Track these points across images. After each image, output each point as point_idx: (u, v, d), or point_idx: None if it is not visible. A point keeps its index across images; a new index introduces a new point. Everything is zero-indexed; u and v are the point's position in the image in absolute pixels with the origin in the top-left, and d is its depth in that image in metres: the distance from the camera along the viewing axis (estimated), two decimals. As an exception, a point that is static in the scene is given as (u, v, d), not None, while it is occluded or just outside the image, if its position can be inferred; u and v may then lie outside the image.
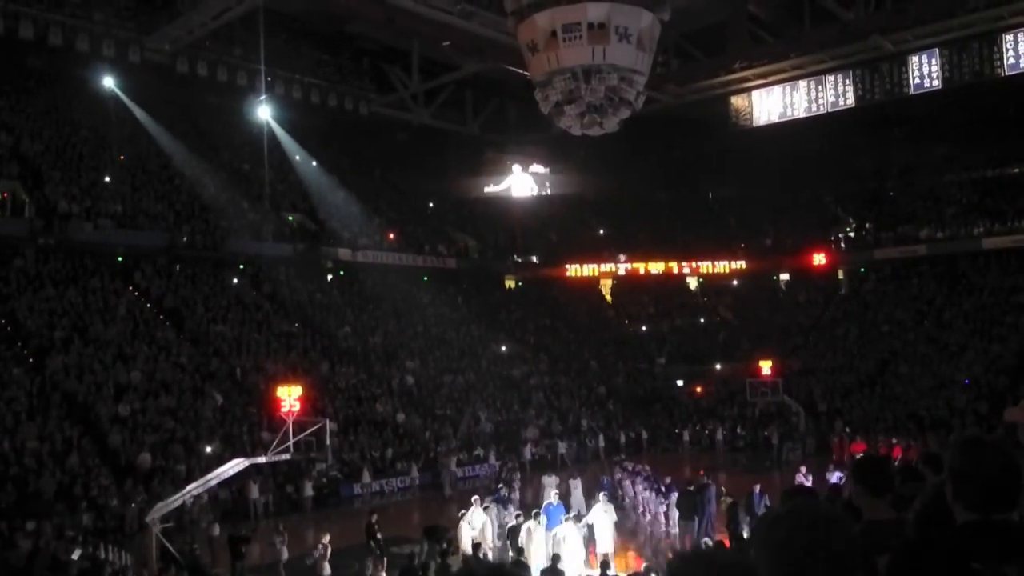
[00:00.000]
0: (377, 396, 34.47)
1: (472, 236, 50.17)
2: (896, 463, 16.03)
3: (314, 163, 44.72)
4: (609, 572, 14.85)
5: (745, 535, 17.99)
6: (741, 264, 50.94)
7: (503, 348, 43.07)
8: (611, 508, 18.75)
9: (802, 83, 41.94)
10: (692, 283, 53.10)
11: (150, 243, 35.07)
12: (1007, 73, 36.31)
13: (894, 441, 30.07)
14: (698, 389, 43.73)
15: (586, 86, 19.42)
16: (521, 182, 53.33)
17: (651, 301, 51.78)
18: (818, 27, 36.09)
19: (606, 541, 18.23)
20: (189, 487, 20.53)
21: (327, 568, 17.27)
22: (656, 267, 51.33)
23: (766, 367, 37.93)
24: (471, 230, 50.72)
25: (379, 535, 18.50)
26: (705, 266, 51.30)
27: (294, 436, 20.21)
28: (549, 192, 53.80)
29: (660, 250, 51.81)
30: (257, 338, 34.42)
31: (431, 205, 51.77)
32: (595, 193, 54.01)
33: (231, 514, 24.53)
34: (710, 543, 16.14)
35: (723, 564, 1.42)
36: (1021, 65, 36.08)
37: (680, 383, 44.64)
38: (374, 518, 18.83)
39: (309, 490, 27.22)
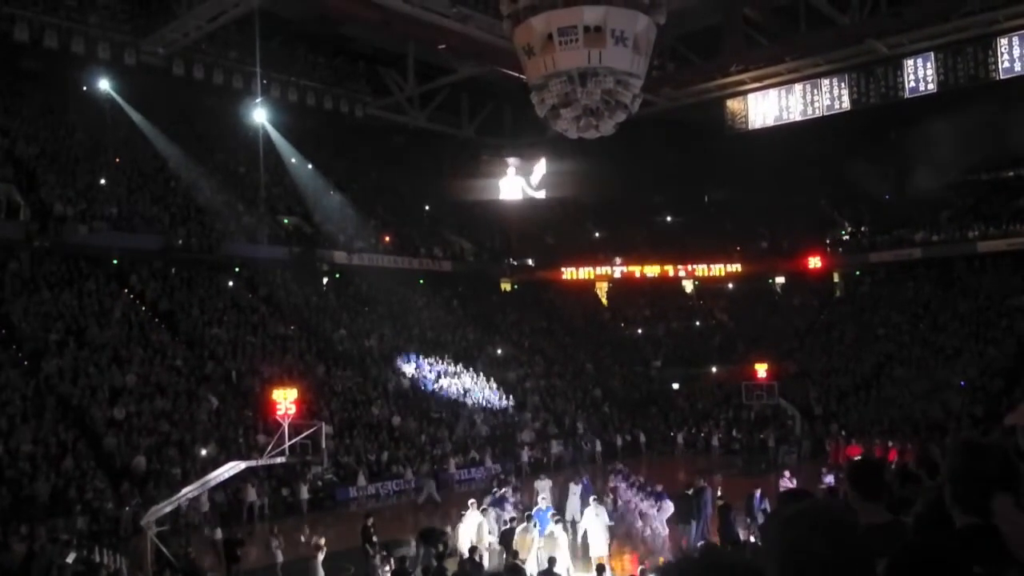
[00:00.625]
0: (373, 399, 34.44)
1: (468, 239, 50.18)
2: (892, 466, 16.05)
3: (310, 166, 44.69)
4: (605, 575, 14.82)
5: (742, 538, 18.00)
6: (737, 267, 51.00)
7: (499, 351, 43.06)
8: (603, 511, 18.73)
9: (798, 86, 41.99)
10: (688, 286, 53.14)
11: (146, 246, 35.04)
12: (1001, 76, 36.41)
13: (890, 444, 30.10)
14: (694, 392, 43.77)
15: (582, 89, 19.41)
16: (517, 185, 53.31)
17: (647, 304, 51.81)
18: (814, 30, 36.14)
19: (599, 544, 18.21)
20: (184, 490, 20.48)
21: (320, 572, 17.24)
22: (652, 270, 51.38)
23: (762, 370, 37.90)
24: (467, 233, 50.72)
25: (375, 538, 18.47)
26: (701, 269, 51.36)
27: (290, 439, 20.17)
28: (545, 195, 53.79)
29: (656, 253, 51.85)
30: (252, 341, 34.38)
31: (427, 208, 51.76)
32: (591, 196, 54.00)
33: (226, 517, 24.49)
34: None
35: (728, 565, 1.41)
36: (1016, 68, 36.18)
37: (676, 386, 44.65)
38: (370, 521, 18.80)
39: (305, 493, 27.18)
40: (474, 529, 18.43)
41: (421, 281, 45.07)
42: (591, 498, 19.42)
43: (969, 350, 38.04)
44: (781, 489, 18.74)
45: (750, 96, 43.49)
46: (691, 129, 46.22)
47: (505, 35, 22.59)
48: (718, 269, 51.21)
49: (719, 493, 20.97)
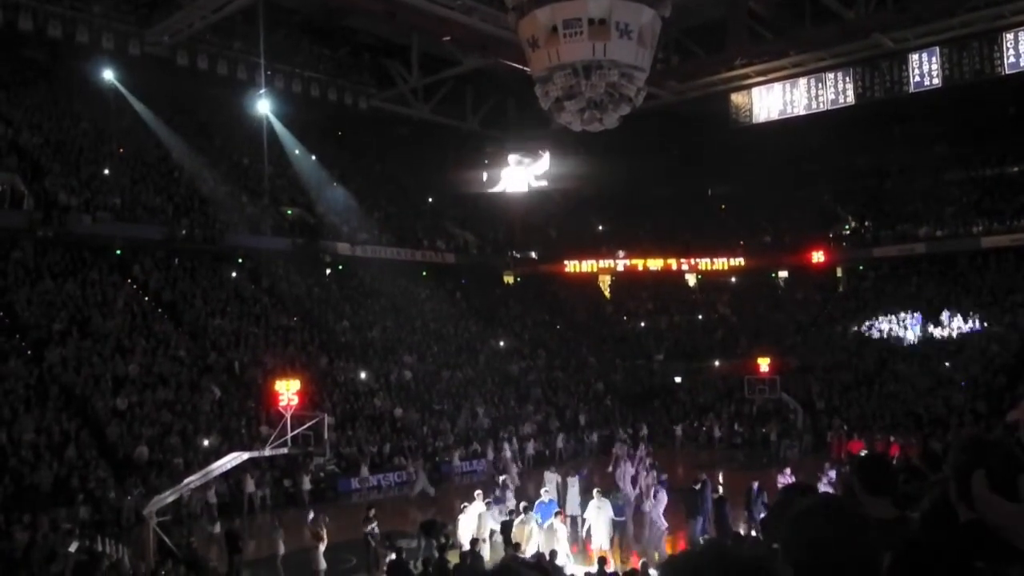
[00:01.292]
0: (375, 391, 34.48)
1: (471, 231, 50.17)
2: (894, 461, 16.04)
3: (313, 157, 44.67)
4: (607, 569, 14.86)
5: (742, 532, 18.04)
6: (740, 261, 50.97)
7: (501, 344, 43.09)
8: (606, 504, 18.74)
9: (802, 80, 41.92)
10: (691, 280, 53.10)
11: (149, 236, 35.06)
12: (1007, 72, 36.31)
13: (891, 439, 30.09)
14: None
15: (586, 82, 19.38)
16: (520, 178, 53.25)
17: (650, 297, 51.79)
18: (819, 25, 36.05)
19: (602, 537, 18.24)
20: (187, 480, 20.54)
21: (322, 562, 17.29)
22: (655, 264, 51.37)
23: (764, 364, 37.91)
24: (470, 225, 50.70)
25: (376, 530, 18.50)
26: (704, 263, 51.34)
27: (292, 430, 20.21)
28: (548, 188, 53.72)
29: (659, 247, 51.82)
30: (255, 332, 34.42)
31: (430, 200, 51.75)
32: (594, 189, 53.97)
33: (228, 508, 24.57)
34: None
35: (732, 559, 1.41)
36: (1021, 64, 36.08)
37: (678, 379, 44.66)
38: (371, 512, 18.83)
39: (307, 484, 27.22)
40: (476, 521, 18.47)
41: (424, 273, 45.09)
42: (595, 491, 19.44)
43: (972, 346, 38.00)
44: (780, 484, 18.74)
45: (754, 90, 43.43)
46: (695, 123, 46.18)
47: (509, 27, 22.55)
48: (721, 263, 51.19)
49: (719, 487, 21.00)
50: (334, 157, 46.18)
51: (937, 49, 37.68)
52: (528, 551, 16.46)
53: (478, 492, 19.67)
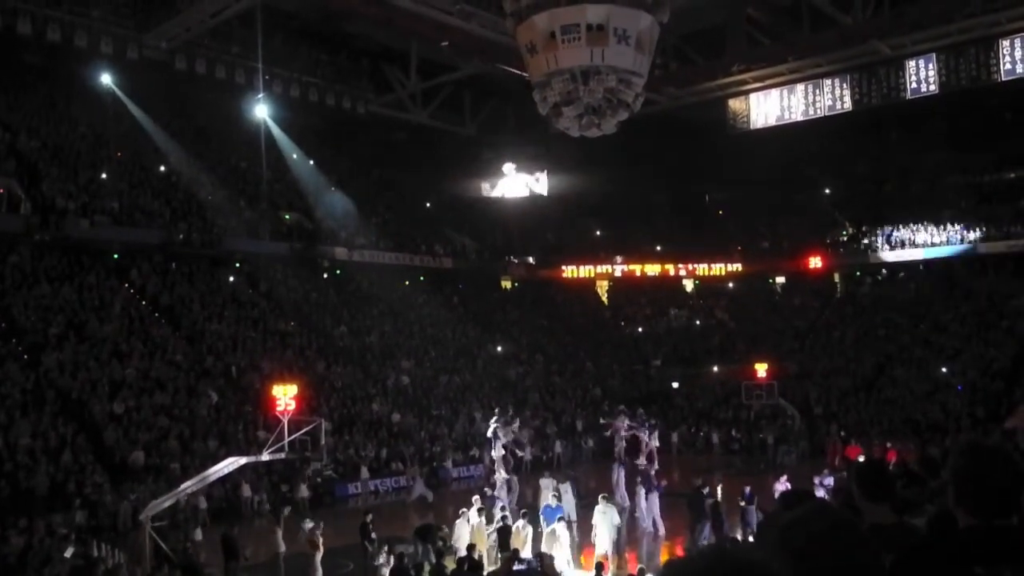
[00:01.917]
0: (372, 396, 34.45)
1: (469, 236, 50.16)
2: (892, 467, 16.04)
3: (311, 162, 44.67)
4: (604, 574, 14.83)
5: (738, 536, 18.04)
6: (737, 267, 51.03)
7: (499, 348, 43.06)
8: (611, 510, 18.72)
9: (800, 86, 41.99)
10: (688, 285, 53.13)
11: (146, 240, 35.02)
12: (1003, 78, 36.42)
13: (888, 445, 30.07)
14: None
15: (584, 88, 19.40)
16: (518, 183, 53.27)
17: (647, 303, 51.80)
18: (816, 31, 36.13)
19: (604, 542, 18.23)
20: (184, 485, 20.49)
21: (319, 570, 17.25)
22: (652, 269, 51.44)
23: (762, 370, 37.85)
24: (468, 230, 50.70)
25: (374, 535, 18.47)
26: (701, 268, 51.41)
27: (289, 435, 20.17)
28: (546, 193, 53.75)
29: (656, 252, 51.88)
30: (253, 336, 34.40)
31: (428, 205, 51.75)
32: (592, 194, 53.94)
33: (224, 513, 24.51)
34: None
35: (738, 561, 1.40)
36: (1017, 70, 36.18)
37: (676, 385, 44.64)
38: (369, 518, 18.79)
39: (304, 490, 27.16)
40: (473, 527, 18.44)
41: (422, 278, 45.08)
42: (600, 497, 19.43)
43: (969, 351, 38.04)
44: (776, 491, 18.72)
45: (752, 96, 43.50)
46: (693, 128, 46.20)
47: (508, 32, 22.59)
48: (719, 268, 51.26)
49: (717, 492, 21.00)
50: (332, 162, 46.17)
51: (934, 55, 37.77)
52: (524, 555, 16.46)
53: (475, 498, 19.65)
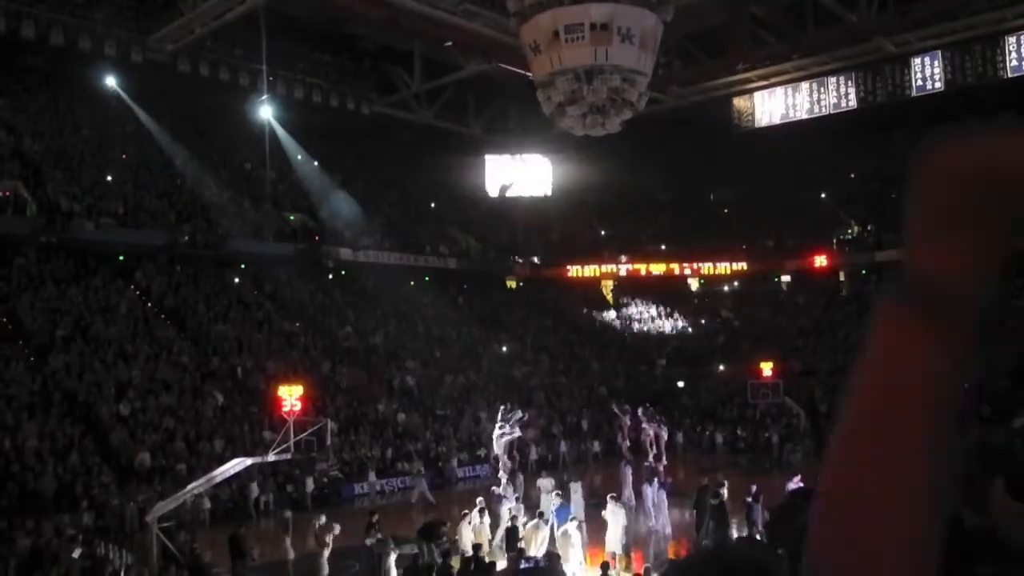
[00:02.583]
0: (378, 396, 34.46)
1: (473, 236, 50.18)
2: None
3: (315, 163, 44.72)
4: (610, 573, 14.83)
5: (744, 534, 18.01)
6: (742, 265, 50.95)
7: (504, 348, 43.06)
8: (620, 511, 18.72)
9: (804, 84, 41.94)
10: (693, 284, 53.07)
11: (151, 242, 35.09)
12: (1010, 75, 36.31)
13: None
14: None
15: (588, 87, 19.43)
16: (523, 182, 53.30)
17: (652, 302, 51.75)
18: (821, 28, 36.07)
19: (613, 542, 18.22)
20: (190, 486, 20.53)
21: (325, 567, 17.26)
22: (657, 268, 51.39)
23: (767, 368, 37.84)
24: (472, 230, 50.71)
25: (380, 535, 18.45)
26: (706, 267, 51.34)
27: (295, 436, 20.19)
28: (550, 193, 53.78)
29: (661, 251, 51.84)
30: (258, 337, 34.43)
31: (432, 205, 51.79)
32: (596, 194, 54.02)
33: (232, 513, 24.54)
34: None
35: (738, 560, 1.38)
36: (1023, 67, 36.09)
37: (681, 384, 44.60)
38: (375, 518, 18.79)
39: (310, 484, 27.18)
40: (479, 527, 18.45)
41: (427, 278, 45.11)
42: (609, 496, 19.42)
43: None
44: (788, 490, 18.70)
45: (757, 94, 43.46)
46: (697, 127, 46.14)
47: (512, 32, 22.60)
48: (723, 267, 51.18)
49: (724, 492, 20.97)
50: (336, 162, 46.21)
51: (939, 52, 37.69)
52: (535, 553, 16.46)
53: (479, 499, 19.64)
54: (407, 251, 44.25)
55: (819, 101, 41.44)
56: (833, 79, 40.83)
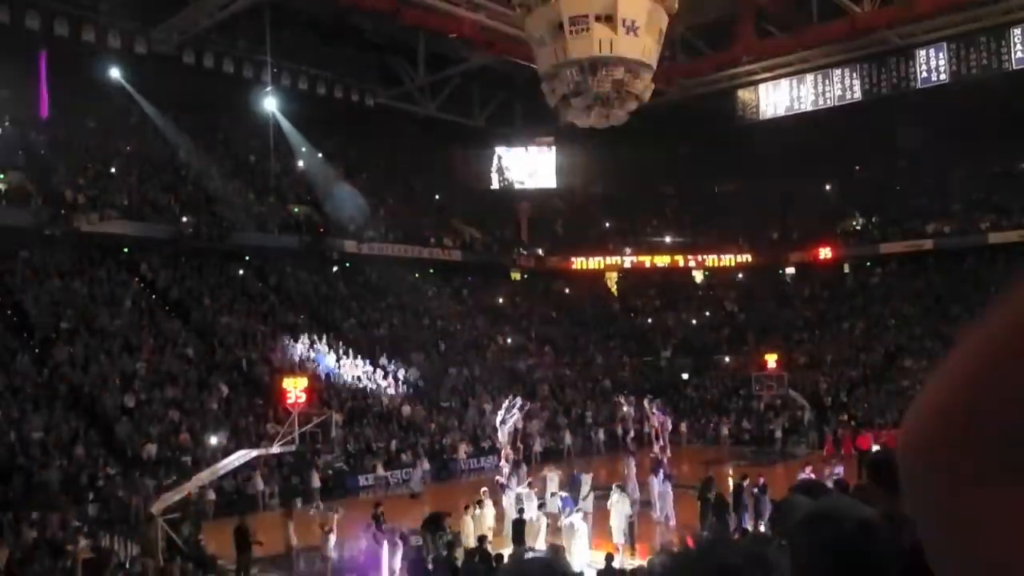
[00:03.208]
0: (383, 388, 34.49)
1: (478, 228, 50.17)
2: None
3: (320, 155, 44.71)
4: (614, 564, 14.86)
5: (749, 526, 18.05)
6: (747, 257, 50.89)
7: (508, 341, 43.08)
8: (625, 501, 18.76)
9: (809, 76, 41.89)
10: (698, 276, 53.04)
11: (156, 235, 35.10)
12: (1015, 67, 36.21)
13: (896, 434, 30.02)
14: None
15: (593, 78, 19.39)
16: (527, 174, 53.29)
17: (657, 294, 51.74)
18: (826, 20, 35.96)
19: (617, 532, 18.28)
20: (196, 478, 20.58)
21: (333, 552, 17.34)
22: (662, 260, 51.40)
23: (771, 360, 37.88)
24: (477, 222, 50.70)
25: (384, 525, 18.51)
26: (711, 259, 51.29)
27: (300, 427, 20.24)
28: (555, 185, 53.76)
29: (666, 243, 51.80)
30: (263, 330, 34.46)
31: (437, 197, 51.77)
32: (601, 186, 54.01)
33: (237, 504, 24.58)
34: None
35: (734, 551, 1.39)
36: (1029, 58, 35.96)
37: (685, 376, 44.61)
38: (379, 509, 18.85)
39: (316, 481, 27.18)
40: (479, 517, 18.50)
41: (431, 270, 45.12)
42: (614, 485, 19.46)
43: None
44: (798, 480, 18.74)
45: (761, 86, 43.43)
46: (702, 119, 46.07)
47: (517, 24, 22.55)
48: (728, 259, 51.12)
49: (729, 483, 21.01)
50: (341, 154, 46.19)
51: (944, 44, 37.61)
52: (537, 547, 16.52)
53: (484, 490, 19.67)
54: (411, 243, 44.22)
55: (824, 93, 41.37)
56: (838, 71, 40.78)
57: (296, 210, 42.01)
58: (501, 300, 47.35)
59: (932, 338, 39.95)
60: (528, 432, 34.77)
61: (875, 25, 35.85)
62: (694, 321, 49.54)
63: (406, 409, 33.76)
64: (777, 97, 43.25)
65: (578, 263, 51.13)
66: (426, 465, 29.66)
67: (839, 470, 21.76)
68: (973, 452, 0.65)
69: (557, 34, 19.39)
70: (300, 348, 33.96)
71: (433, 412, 34.54)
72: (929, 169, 47.66)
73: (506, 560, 16.11)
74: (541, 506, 18.51)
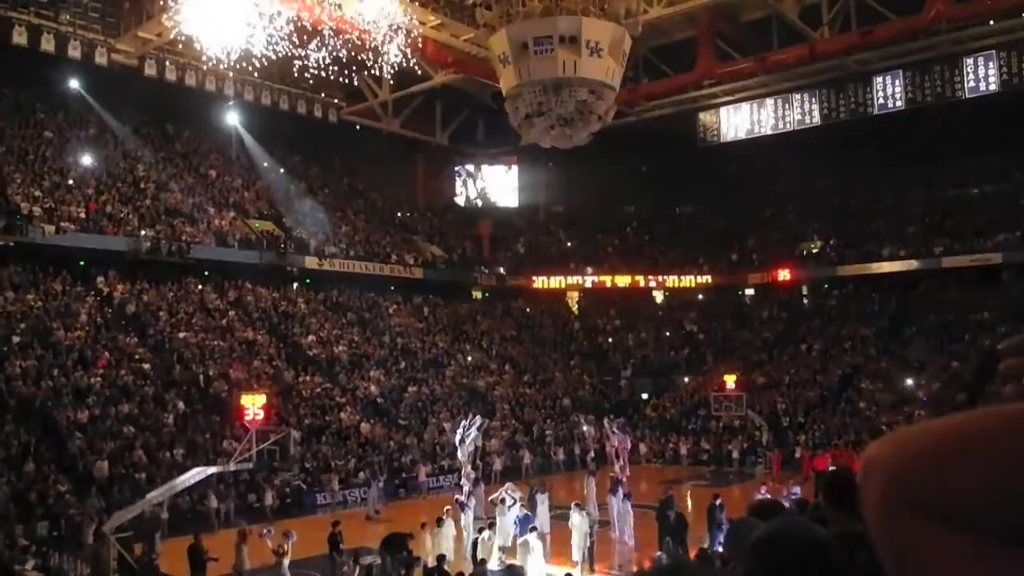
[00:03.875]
0: (341, 405, 34.23)
1: (439, 246, 50.13)
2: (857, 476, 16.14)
3: (282, 170, 44.46)
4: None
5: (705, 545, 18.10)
6: (707, 279, 51.30)
7: (468, 359, 42.99)
8: (584, 519, 18.77)
9: (769, 100, 42.51)
10: (658, 297, 53.38)
11: (113, 248, 34.58)
12: (967, 95, 37.07)
13: (854, 456, 30.34)
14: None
15: (556, 99, 19.53)
16: (489, 193, 53.42)
17: (617, 314, 51.96)
18: (786, 46, 36.59)
19: (577, 551, 18.27)
20: (149, 495, 20.23)
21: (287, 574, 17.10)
22: (623, 280, 51.63)
23: (730, 381, 38.19)
24: (438, 240, 50.67)
25: (342, 545, 18.33)
26: (671, 280, 51.61)
27: (257, 445, 20.00)
28: (517, 204, 53.93)
29: (627, 263, 52.10)
30: (221, 345, 34.06)
31: (399, 215, 51.66)
32: (563, 205, 54.27)
33: (191, 523, 24.18)
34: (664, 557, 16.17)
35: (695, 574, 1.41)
36: (981, 88, 36.86)
37: (645, 396, 44.81)
38: (337, 528, 18.66)
39: (270, 499, 26.82)
40: (443, 538, 18.39)
41: (392, 288, 44.94)
42: (573, 504, 19.45)
43: (934, 363, 38.52)
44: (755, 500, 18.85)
45: (722, 109, 43.97)
46: (663, 141, 46.56)
47: (481, 43, 22.66)
48: (688, 280, 51.49)
49: (688, 503, 21.10)
50: (302, 170, 45.97)
51: (900, 72, 38.38)
52: (491, 564, 16.45)
53: (447, 508, 19.58)
54: (373, 260, 44.06)
55: (783, 117, 42.00)
56: (798, 96, 41.43)
57: (257, 225, 41.68)
58: (462, 318, 47.27)
59: (888, 359, 40.58)
60: (488, 451, 34.72)
61: (833, 51, 36.54)
62: (654, 341, 49.82)
63: (365, 427, 33.53)
64: (738, 120, 43.83)
65: (539, 282, 51.23)
66: (381, 484, 29.33)
67: (796, 490, 21.93)
68: (947, 497, 0.70)
69: (521, 54, 19.52)
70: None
71: (392, 430, 34.33)
72: (885, 193, 48.50)
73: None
74: (491, 525, 18.44)
